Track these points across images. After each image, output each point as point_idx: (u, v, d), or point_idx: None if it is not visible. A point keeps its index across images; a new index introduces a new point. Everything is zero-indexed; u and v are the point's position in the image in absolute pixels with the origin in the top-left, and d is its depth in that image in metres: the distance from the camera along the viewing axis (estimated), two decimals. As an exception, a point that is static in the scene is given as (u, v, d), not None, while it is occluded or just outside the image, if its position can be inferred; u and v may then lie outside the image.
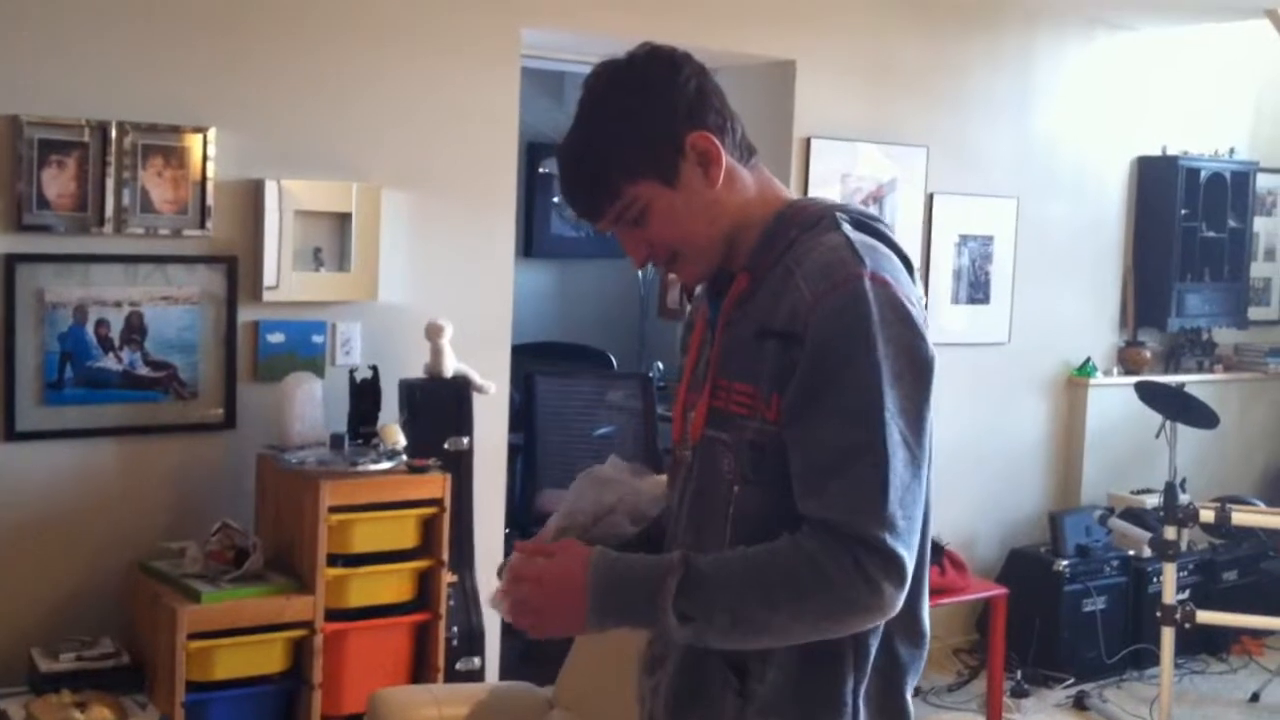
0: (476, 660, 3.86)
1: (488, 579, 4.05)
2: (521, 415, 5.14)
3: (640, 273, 7.15)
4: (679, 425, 1.82)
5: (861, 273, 1.62)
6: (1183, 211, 5.69)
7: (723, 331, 1.73)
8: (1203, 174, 5.74)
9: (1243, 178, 5.88)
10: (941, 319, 5.10)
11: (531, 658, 4.74)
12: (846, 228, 1.69)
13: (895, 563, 1.58)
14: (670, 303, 7.36)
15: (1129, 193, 5.75)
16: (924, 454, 1.63)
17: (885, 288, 1.62)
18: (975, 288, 5.26)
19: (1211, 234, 5.80)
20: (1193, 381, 5.61)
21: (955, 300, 5.22)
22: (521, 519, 5.12)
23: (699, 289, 1.87)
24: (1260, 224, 6.08)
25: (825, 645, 1.67)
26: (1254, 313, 6.14)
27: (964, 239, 5.23)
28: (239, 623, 3.38)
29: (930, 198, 5.09)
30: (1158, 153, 5.71)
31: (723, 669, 1.71)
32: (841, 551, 1.58)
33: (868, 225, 1.72)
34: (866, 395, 1.59)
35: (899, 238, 1.76)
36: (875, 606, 1.61)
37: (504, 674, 4.24)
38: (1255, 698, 4.96)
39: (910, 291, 1.66)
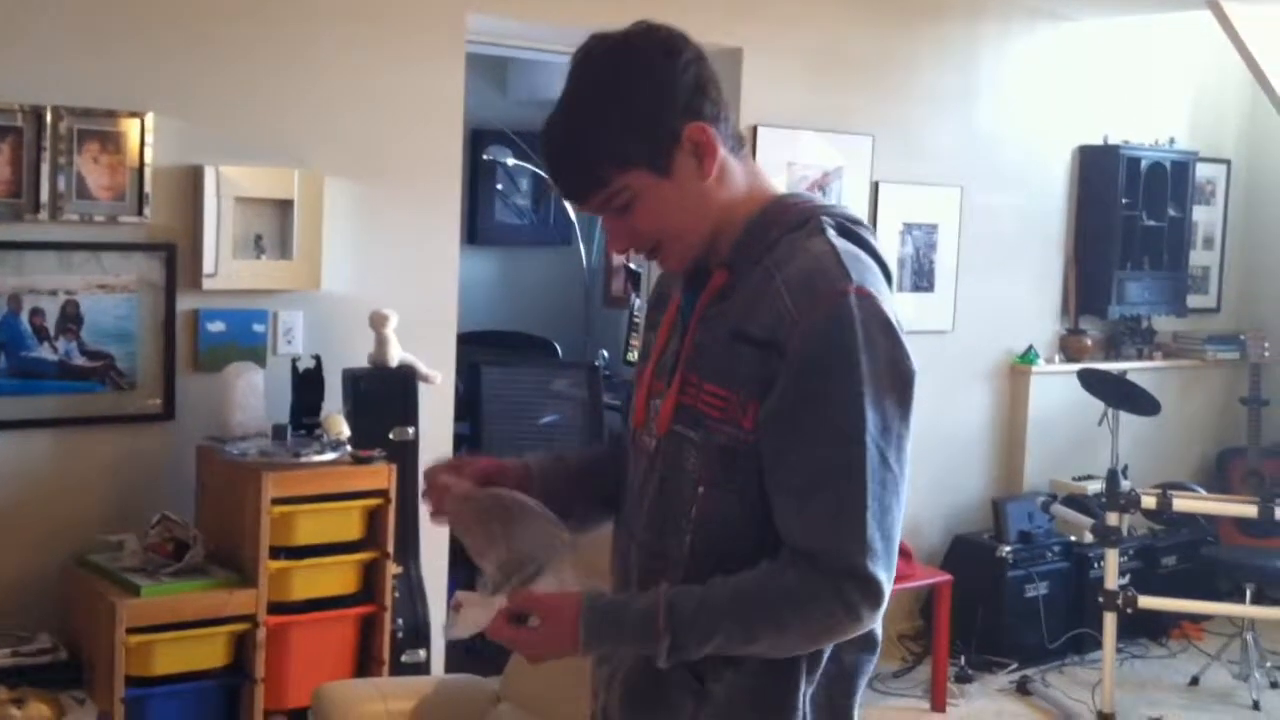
0: (422, 653, 3.83)
1: (433, 571, 4.02)
2: (466, 405, 5.10)
3: (585, 261, 7.12)
4: (642, 410, 1.78)
5: (847, 288, 1.59)
6: (1124, 200, 5.73)
7: (696, 327, 1.70)
8: (1143, 163, 5.78)
9: (1182, 167, 5.94)
10: (887, 307, 5.11)
11: (477, 650, 4.70)
12: (831, 234, 1.66)
13: (874, 589, 1.58)
14: (615, 291, 7.33)
15: (1071, 182, 5.80)
16: (904, 471, 1.62)
17: (870, 302, 1.60)
18: (920, 276, 5.28)
19: (1152, 223, 5.86)
20: (1132, 369, 5.66)
21: (900, 289, 5.23)
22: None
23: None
24: (1199, 213, 6.14)
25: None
26: (1192, 301, 6.20)
27: (909, 227, 5.24)
28: (179, 617, 3.33)
29: (875, 186, 5.10)
30: (1099, 142, 5.75)
31: (681, 669, 1.69)
32: (821, 582, 1.57)
33: (852, 232, 1.69)
34: (849, 416, 1.57)
35: (879, 244, 1.72)
36: (852, 630, 1.62)
37: (449, 666, 4.20)
38: (1195, 681, 5.02)
39: (892, 305, 1.63)
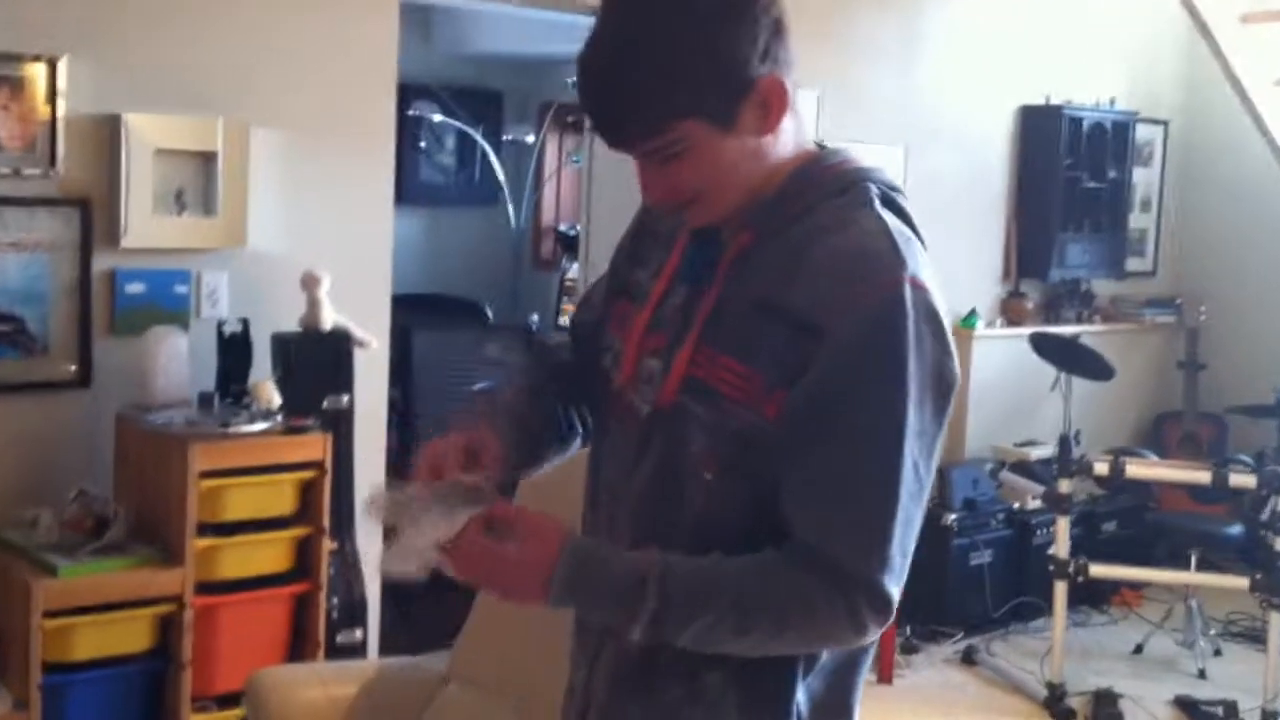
0: (358, 632, 3.64)
1: (369, 545, 3.82)
2: (395, 371, 4.90)
3: (513, 222, 6.92)
4: (631, 367, 1.58)
5: (902, 277, 1.42)
6: (1066, 162, 5.66)
7: (717, 292, 1.51)
8: (1085, 123, 5.71)
9: (1123, 128, 5.87)
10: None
11: (414, 626, 4.52)
12: (879, 206, 1.49)
13: (886, 605, 1.44)
14: (544, 253, 7.14)
15: (1013, 142, 5.70)
16: (930, 478, 1.47)
17: (923, 296, 1.43)
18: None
19: (1092, 184, 5.79)
20: (1071, 333, 5.60)
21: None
22: (399, 477, 4.89)
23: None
24: (1137, 175, 6.09)
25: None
26: (1130, 264, 6.16)
27: (853, 188, 5.10)
28: (100, 598, 3.11)
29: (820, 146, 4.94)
30: (1041, 102, 5.66)
31: (676, 654, 1.53)
32: (835, 591, 1.43)
33: (894, 203, 1.52)
34: (888, 420, 1.41)
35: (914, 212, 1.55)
36: (853, 641, 1.49)
37: (384, 644, 4.02)
38: (1139, 649, 4.98)
39: (941, 297, 1.47)
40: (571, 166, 6.92)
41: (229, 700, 3.30)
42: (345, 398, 3.62)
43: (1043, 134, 5.64)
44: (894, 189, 1.54)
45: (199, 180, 3.60)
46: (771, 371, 1.44)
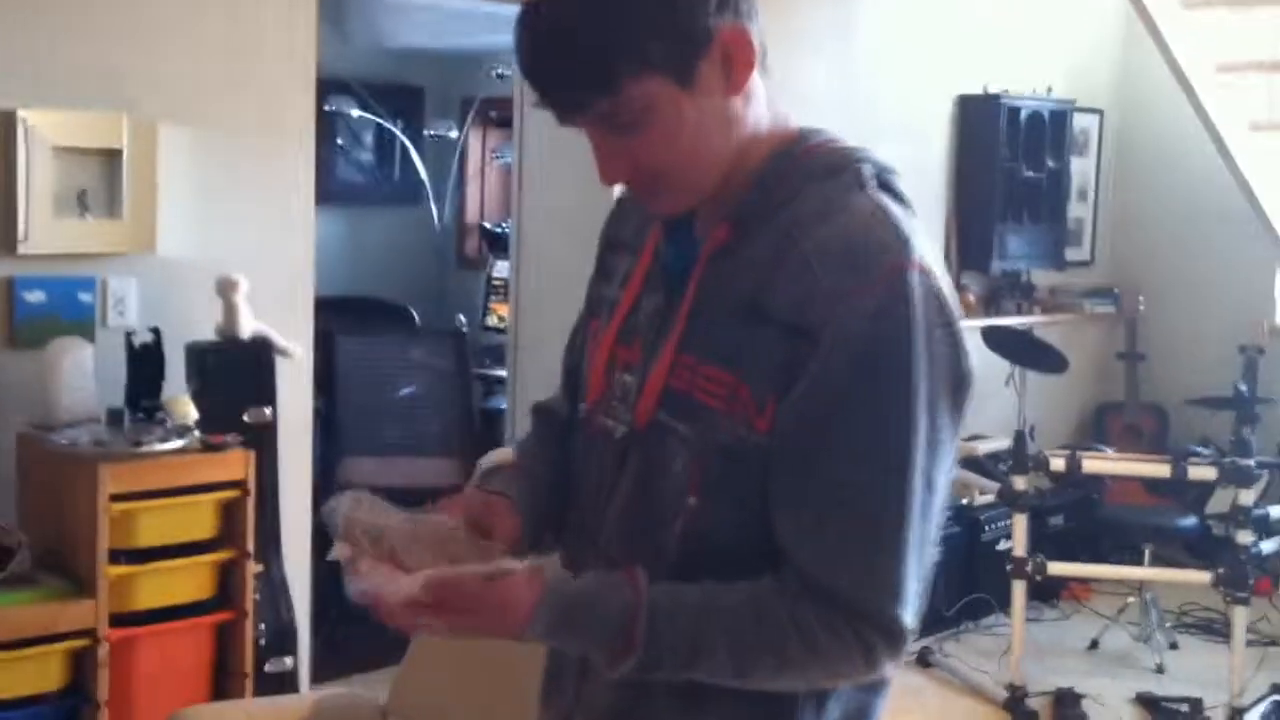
0: (288, 660, 3.41)
1: (296, 567, 3.60)
2: (319, 379, 4.67)
3: (436, 220, 6.68)
4: (600, 385, 1.41)
5: (906, 263, 1.26)
6: (1004, 151, 5.54)
7: (694, 294, 1.34)
8: (1023, 113, 5.59)
9: (1061, 116, 5.77)
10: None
11: (344, 652, 4.30)
12: (874, 189, 1.32)
13: (899, 637, 1.27)
14: (469, 251, 6.92)
15: (952, 133, 5.58)
16: (945, 491, 1.30)
17: (930, 283, 1.27)
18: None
19: (1031, 174, 5.68)
20: (1018, 325, 5.49)
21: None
22: (323, 491, 4.66)
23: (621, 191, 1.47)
24: (1074, 164, 5.99)
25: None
26: (1068, 254, 6.07)
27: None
28: (6, 634, 2.85)
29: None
30: (980, 91, 5.54)
31: (672, 693, 1.34)
32: (842, 625, 1.26)
33: (891, 187, 1.34)
34: (895, 429, 1.25)
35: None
36: (864, 677, 1.32)
37: (315, 671, 3.80)
38: (1094, 645, 4.88)
39: (948, 284, 1.30)
40: (496, 163, 6.71)
41: (149, 740, 3.06)
42: (268, 410, 3.39)
43: (981, 124, 5.52)
44: (888, 170, 1.37)
45: (103, 181, 3.35)
46: (760, 380, 1.27)
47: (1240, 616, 4.03)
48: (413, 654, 2.82)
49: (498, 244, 6.51)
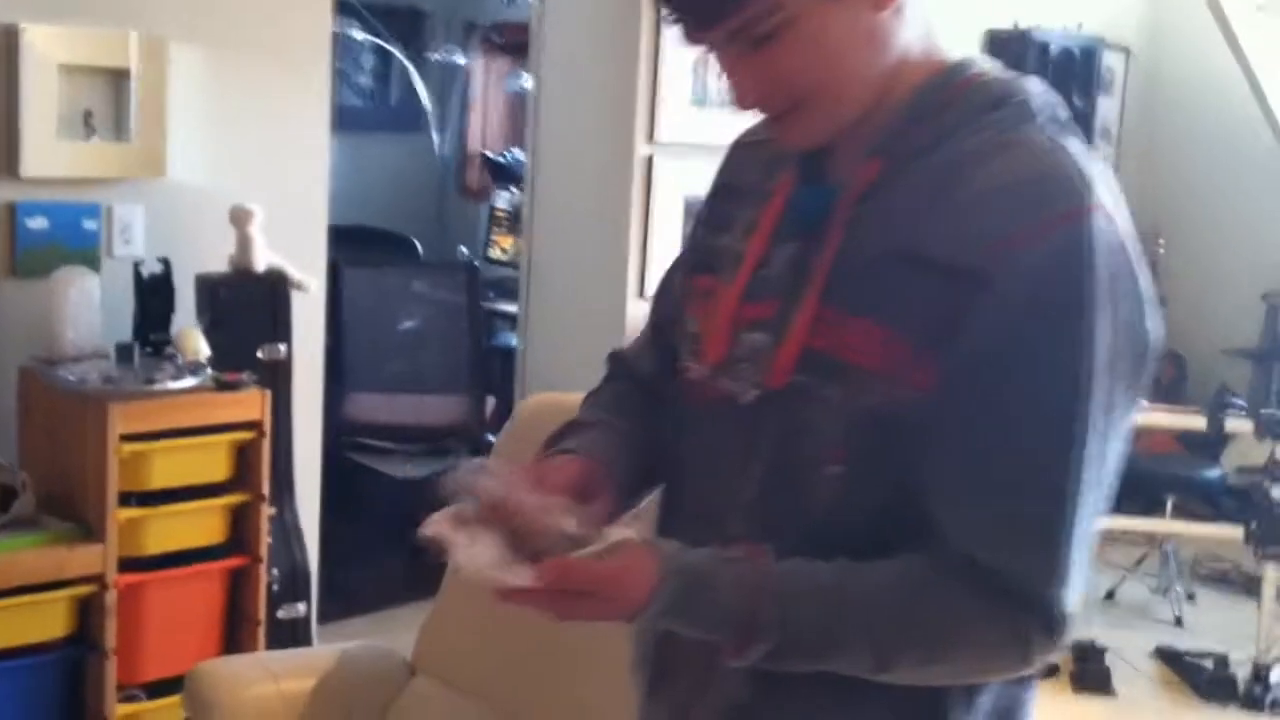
0: (301, 606, 3.28)
1: (307, 512, 3.46)
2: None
3: (437, 148, 6.49)
4: (722, 345, 1.27)
5: (1088, 205, 1.12)
6: (1032, 88, 5.37)
7: (838, 241, 1.19)
8: (1052, 49, 5.43)
9: (1090, 54, 5.60)
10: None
11: (353, 594, 4.19)
12: (1046, 123, 1.17)
13: (1060, 626, 1.14)
14: (471, 182, 6.72)
15: (978, 68, 5.40)
16: (1116, 460, 1.16)
17: (1115, 230, 1.13)
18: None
19: (1057, 113, 5.51)
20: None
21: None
22: (327, 429, 4.52)
23: (752, 133, 1.33)
24: (1100, 104, 5.83)
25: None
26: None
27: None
28: (9, 580, 2.72)
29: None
30: (1010, 26, 5.36)
31: (808, 692, 1.21)
32: (1000, 612, 1.12)
33: (1061, 121, 1.20)
34: (1071, 392, 1.11)
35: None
36: (1016, 671, 1.19)
37: (323, 614, 3.68)
38: (1111, 595, 4.80)
39: (1132, 232, 1.16)
40: (502, 90, 6.50)
41: (160, 689, 2.94)
42: (283, 347, 3.23)
43: (1011, 60, 5.30)
44: (1058, 104, 1.22)
45: (110, 102, 3.17)
46: (920, 334, 1.13)
47: (1272, 573, 3.94)
48: (439, 606, 2.70)
49: (501, 174, 6.33)
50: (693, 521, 1.28)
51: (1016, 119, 1.17)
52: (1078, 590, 1.14)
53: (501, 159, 6.41)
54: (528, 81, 6.38)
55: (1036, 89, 1.20)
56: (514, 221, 5.89)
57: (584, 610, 1.13)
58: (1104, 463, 1.13)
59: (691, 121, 4.19)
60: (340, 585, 4.09)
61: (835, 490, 1.16)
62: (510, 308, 5.36)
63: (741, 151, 1.39)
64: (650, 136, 4.13)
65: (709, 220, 1.38)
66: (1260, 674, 3.93)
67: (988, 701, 1.22)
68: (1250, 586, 4.57)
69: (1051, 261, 1.10)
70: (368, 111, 6.44)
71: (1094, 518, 1.14)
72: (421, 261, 5.42)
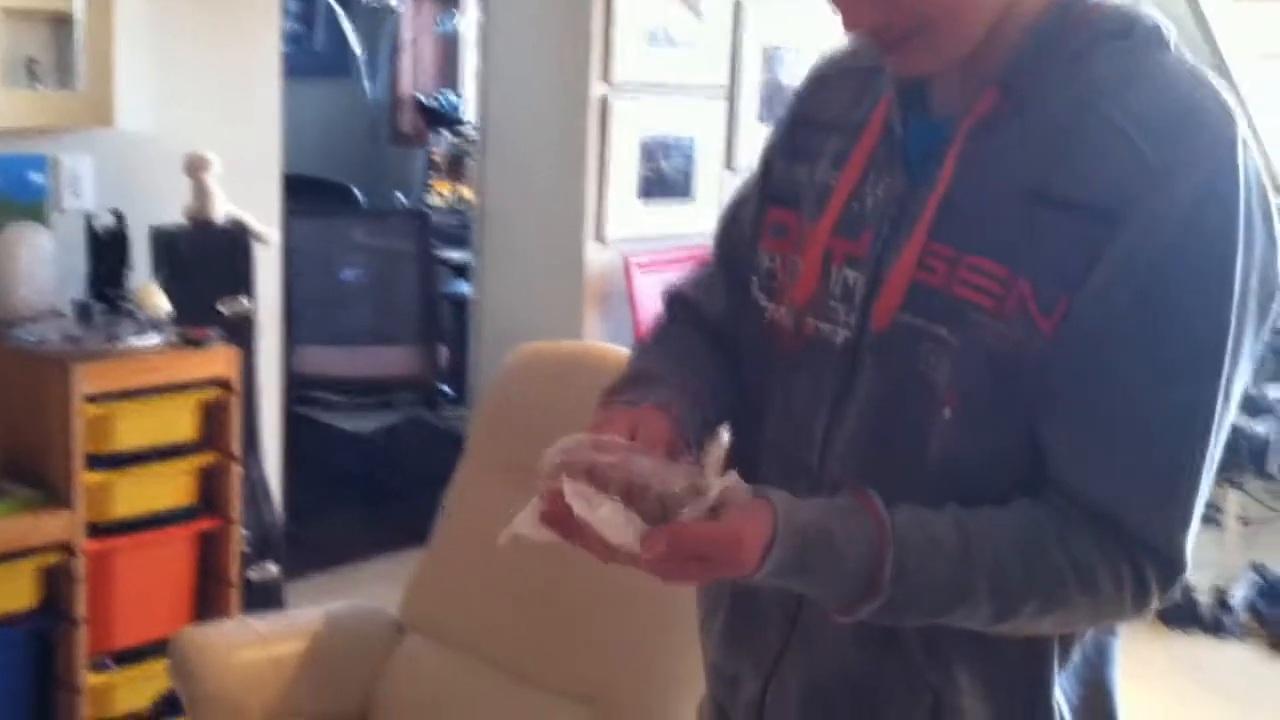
0: (272, 566, 3.20)
1: (269, 467, 3.37)
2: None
3: (370, 92, 6.34)
4: (811, 281, 1.21)
5: (1234, 135, 1.06)
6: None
7: (951, 173, 1.13)
8: None
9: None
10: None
11: (313, 551, 4.10)
12: (1179, 51, 1.12)
13: (1177, 572, 1.11)
14: (404, 127, 6.59)
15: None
16: (1237, 403, 1.12)
17: (1253, 161, 1.08)
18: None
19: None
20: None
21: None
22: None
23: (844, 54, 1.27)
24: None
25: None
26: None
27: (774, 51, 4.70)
28: (-28, 551, 2.60)
29: (738, 3, 4.51)
30: None
31: (911, 675, 1.17)
32: (1121, 559, 1.08)
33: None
34: (1207, 334, 1.06)
35: None
36: (1133, 617, 1.14)
37: (289, 572, 3.59)
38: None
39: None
40: (432, 32, 6.36)
41: (131, 656, 2.85)
42: (246, 301, 3.12)
43: None
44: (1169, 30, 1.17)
45: (54, 47, 3.02)
46: (1047, 273, 1.08)
47: (1233, 499, 4.00)
48: (427, 562, 2.64)
49: (434, 118, 6.20)
50: (779, 469, 1.22)
51: (1149, 46, 1.12)
52: (1194, 535, 1.11)
53: (435, 103, 6.28)
54: (459, 23, 6.27)
55: (1160, 20, 1.15)
56: (453, 167, 5.78)
57: (694, 574, 1.08)
58: (1227, 409, 1.10)
59: (648, 61, 4.12)
60: (300, 542, 4.01)
61: (946, 436, 1.11)
62: (454, 255, 5.26)
63: (823, 80, 1.33)
64: (605, 76, 4.04)
65: (786, 152, 1.31)
66: (1223, 600, 4.00)
67: (1079, 652, 1.19)
68: (1211, 513, 4.64)
69: (1198, 196, 1.05)
70: (294, 57, 6.19)
71: (1214, 463, 1.11)
72: (368, 210, 5.30)
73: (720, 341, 1.33)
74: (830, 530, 1.07)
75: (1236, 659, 3.86)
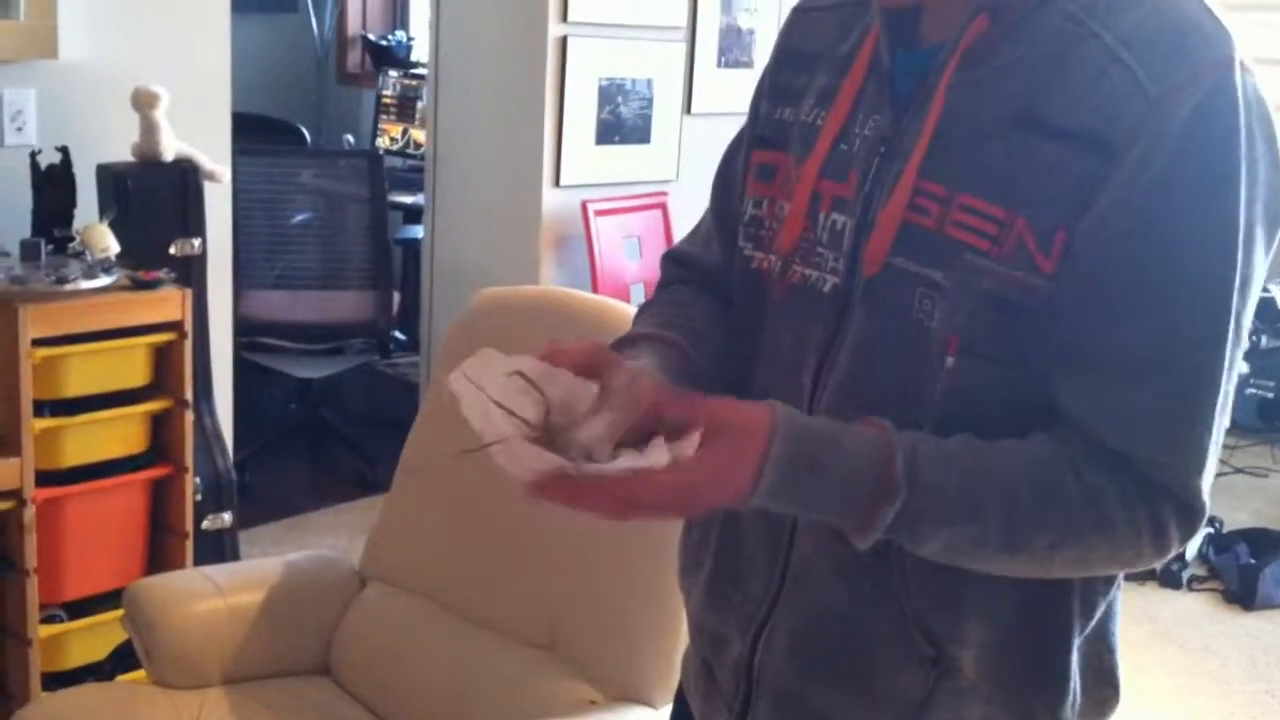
0: (226, 516, 3.12)
1: (225, 414, 3.29)
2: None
3: (315, 30, 6.18)
4: (796, 226, 1.16)
5: (1231, 54, 1.02)
6: None
7: (940, 106, 1.08)
8: None
9: None
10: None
11: (260, 500, 4.03)
12: None
13: (1196, 515, 1.06)
14: (351, 66, 6.44)
15: None
16: (1247, 334, 1.08)
17: (1254, 84, 1.04)
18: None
19: None
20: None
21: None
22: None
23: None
24: None
25: (1048, 588, 1.12)
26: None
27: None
28: (-84, 499, 2.52)
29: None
30: None
31: (907, 628, 1.13)
32: (1138, 499, 1.04)
33: None
34: (1213, 262, 1.02)
35: None
36: (1146, 564, 1.09)
37: (242, 521, 3.52)
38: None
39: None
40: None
41: (83, 608, 2.77)
42: (197, 242, 3.03)
43: None
44: None
45: (-7, -27, 2.90)
46: (1044, 208, 1.03)
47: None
48: (386, 511, 2.58)
49: (383, 58, 6.07)
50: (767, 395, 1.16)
51: None
52: (1211, 475, 1.07)
53: (384, 42, 6.14)
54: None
55: None
56: (403, 108, 5.66)
57: (681, 484, 0.97)
58: (1238, 340, 1.05)
59: (606, 0, 4.03)
60: (249, 491, 3.93)
61: (950, 385, 1.07)
62: (405, 199, 5.16)
63: (806, 15, 1.28)
64: (564, 15, 3.95)
65: (771, 92, 1.26)
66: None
67: (1103, 605, 1.16)
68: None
69: (1196, 120, 1.01)
70: (239, -9, 6.09)
71: (1229, 399, 1.06)
72: (319, 151, 5.18)
73: (717, 292, 1.29)
74: (834, 430, 1.03)
75: (1189, 610, 3.89)
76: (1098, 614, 1.15)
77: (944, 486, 1.02)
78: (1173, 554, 1.09)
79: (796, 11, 1.29)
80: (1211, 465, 1.06)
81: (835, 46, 1.20)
